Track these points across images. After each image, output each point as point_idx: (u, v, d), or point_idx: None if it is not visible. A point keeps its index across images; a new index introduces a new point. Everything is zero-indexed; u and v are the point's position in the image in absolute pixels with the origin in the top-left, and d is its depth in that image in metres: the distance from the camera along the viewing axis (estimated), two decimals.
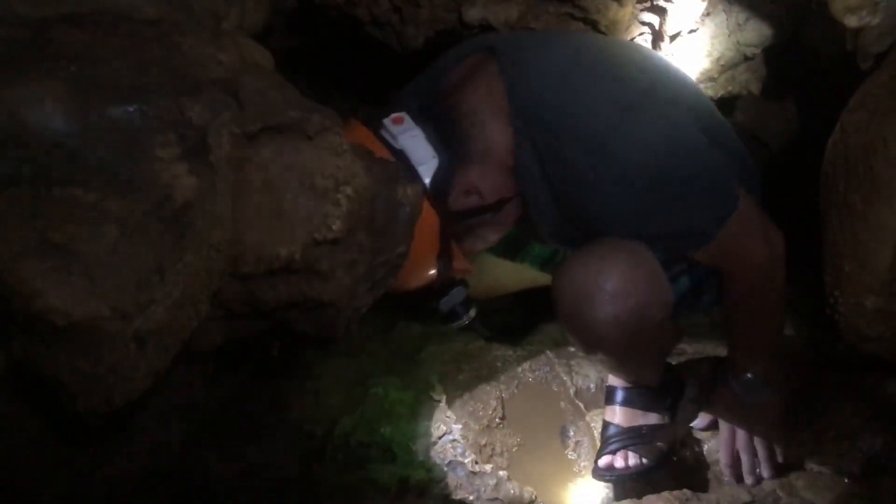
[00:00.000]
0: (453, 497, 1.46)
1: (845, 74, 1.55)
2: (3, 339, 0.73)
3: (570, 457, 1.59)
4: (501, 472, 1.51)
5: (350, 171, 0.91)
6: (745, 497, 1.43)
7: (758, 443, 1.46)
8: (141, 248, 0.73)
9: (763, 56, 1.87)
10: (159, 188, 0.76)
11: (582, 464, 1.57)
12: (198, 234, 0.77)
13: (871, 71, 1.44)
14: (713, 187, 1.24)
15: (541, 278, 1.67)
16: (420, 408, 1.57)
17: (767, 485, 1.44)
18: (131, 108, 0.78)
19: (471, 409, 1.59)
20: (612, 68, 1.27)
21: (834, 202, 1.43)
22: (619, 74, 1.25)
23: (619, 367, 1.47)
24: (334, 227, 0.89)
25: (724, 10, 1.79)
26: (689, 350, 1.73)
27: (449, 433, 1.54)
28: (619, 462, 1.50)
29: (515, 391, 1.67)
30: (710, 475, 1.53)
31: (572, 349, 1.79)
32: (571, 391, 1.69)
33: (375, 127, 1.23)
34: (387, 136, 1.21)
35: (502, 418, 1.61)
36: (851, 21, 1.40)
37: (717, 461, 1.51)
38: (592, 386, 1.68)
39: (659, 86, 1.26)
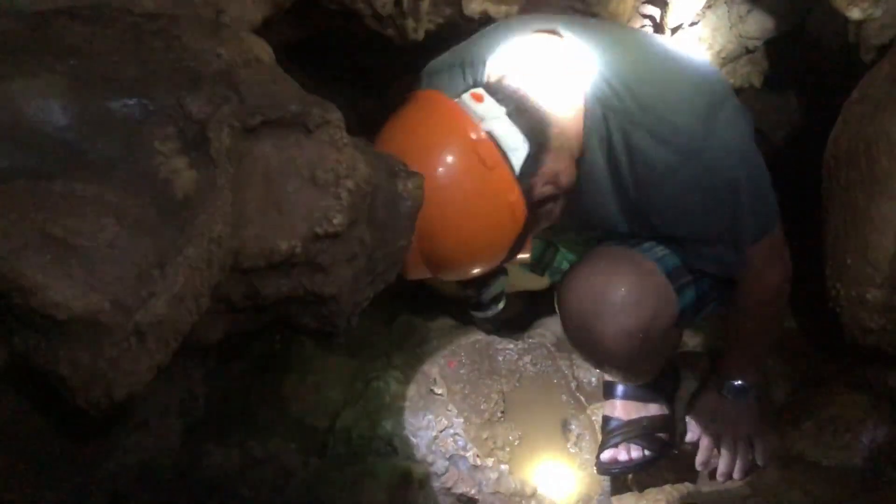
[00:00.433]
0: (454, 491, 1.46)
1: (847, 66, 1.55)
2: (3, 334, 0.73)
3: (571, 450, 1.59)
4: (503, 466, 1.51)
5: (351, 164, 0.91)
6: (747, 490, 1.43)
7: (739, 446, 1.48)
8: (141, 242, 0.73)
9: (765, 48, 1.86)
10: (159, 182, 0.76)
11: (583, 457, 1.57)
12: (198, 228, 0.77)
13: (874, 63, 1.43)
14: (766, 199, 1.27)
15: (530, 283, 1.68)
16: (421, 401, 1.57)
17: (770, 477, 1.44)
18: (131, 102, 0.78)
19: (472, 402, 1.59)
20: (680, 65, 1.28)
21: (835, 195, 1.43)
22: (688, 74, 1.26)
23: (623, 374, 1.47)
24: (335, 221, 0.89)
25: (726, 3, 1.79)
26: (689, 343, 1.73)
27: (450, 427, 1.54)
28: (622, 455, 1.50)
29: (517, 385, 1.66)
30: None
31: None
32: (573, 385, 1.69)
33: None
34: (470, 114, 1.14)
35: (503, 412, 1.61)
36: (854, 13, 1.40)
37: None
38: (594, 379, 1.68)
39: (717, 86, 1.28)
